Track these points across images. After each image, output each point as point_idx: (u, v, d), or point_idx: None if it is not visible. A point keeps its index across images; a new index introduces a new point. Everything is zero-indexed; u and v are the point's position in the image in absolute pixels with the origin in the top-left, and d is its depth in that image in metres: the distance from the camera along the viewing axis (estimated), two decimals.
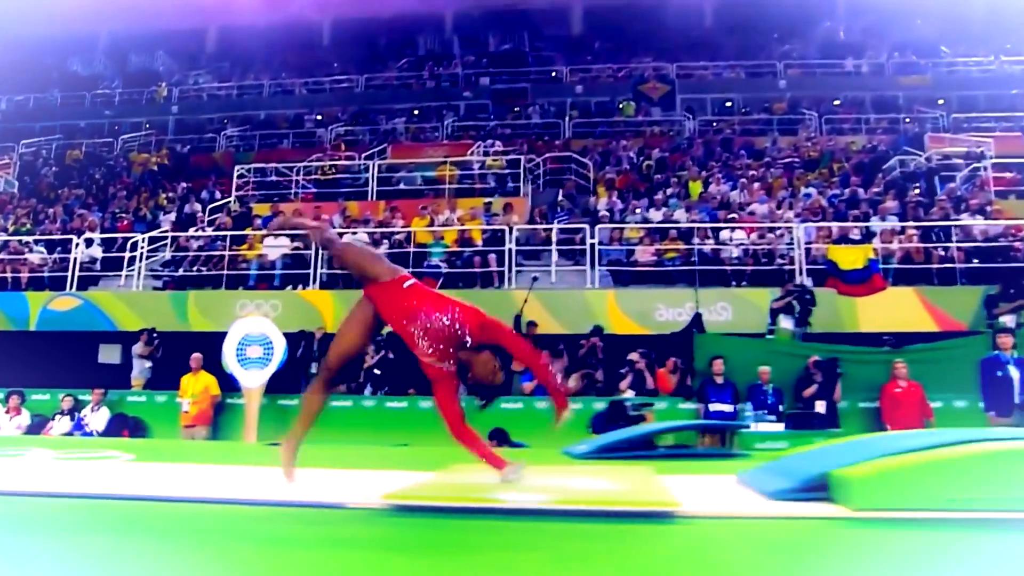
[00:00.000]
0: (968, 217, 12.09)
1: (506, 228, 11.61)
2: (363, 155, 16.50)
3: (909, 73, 20.73)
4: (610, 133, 18.97)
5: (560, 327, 10.79)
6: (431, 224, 12.28)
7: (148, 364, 10.42)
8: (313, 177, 14.84)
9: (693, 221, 12.43)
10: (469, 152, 15.88)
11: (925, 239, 11.43)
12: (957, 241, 11.34)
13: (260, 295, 11.28)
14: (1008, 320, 9.22)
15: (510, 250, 11.35)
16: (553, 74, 22.07)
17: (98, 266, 12.11)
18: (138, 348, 10.43)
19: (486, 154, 16.75)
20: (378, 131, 19.81)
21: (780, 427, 7.15)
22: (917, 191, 13.65)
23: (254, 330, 8.91)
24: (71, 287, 11.50)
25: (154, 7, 25.20)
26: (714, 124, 19.54)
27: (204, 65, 24.42)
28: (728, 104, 21.42)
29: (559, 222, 13.00)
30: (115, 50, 24.60)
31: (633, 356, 9.14)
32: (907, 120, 19.49)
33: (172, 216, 13.88)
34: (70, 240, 12.24)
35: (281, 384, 9.98)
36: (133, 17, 25.54)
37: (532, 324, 10.57)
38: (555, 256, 11.55)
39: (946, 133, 17.27)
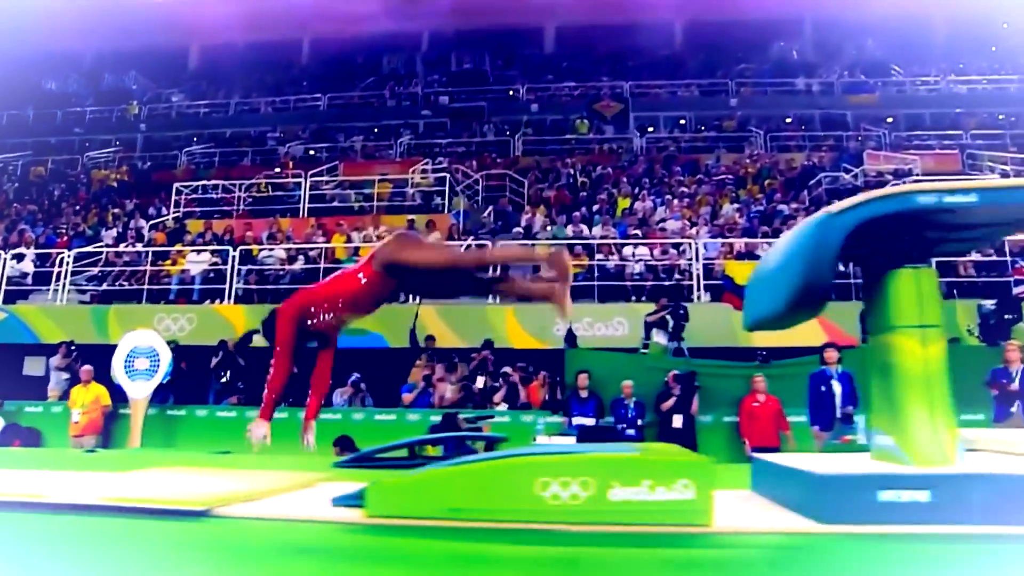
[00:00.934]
0: None
1: None
2: (310, 172, 16.82)
3: (858, 92, 20.83)
4: (559, 151, 19.24)
5: (459, 341, 11.01)
6: (348, 241, 12.55)
7: (65, 376, 10.75)
8: (249, 194, 15.18)
9: (606, 237, 12.62)
10: (411, 170, 16.17)
11: None
12: None
13: (178, 309, 11.59)
14: None
15: None
16: (511, 93, 22.37)
17: (29, 280, 12.48)
18: (55, 360, 10.77)
19: (432, 172, 17.09)
20: (335, 149, 20.18)
21: (571, 440, 7.29)
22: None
23: (142, 343, 9.20)
24: None
25: (137, 25, 25.94)
26: (661, 142, 19.70)
27: (179, 84, 24.99)
28: (682, 122, 21.62)
29: (475, 239, 13.25)
30: (91, 69, 25.29)
31: (507, 369, 9.34)
32: (858, 138, 19.57)
33: (114, 232, 14.26)
34: (19, 254, 12.66)
35: (188, 395, 10.33)
36: (116, 35, 26.34)
37: (430, 338, 10.82)
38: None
39: (884, 152, 17.33)
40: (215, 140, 21.01)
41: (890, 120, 20.48)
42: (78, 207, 16.04)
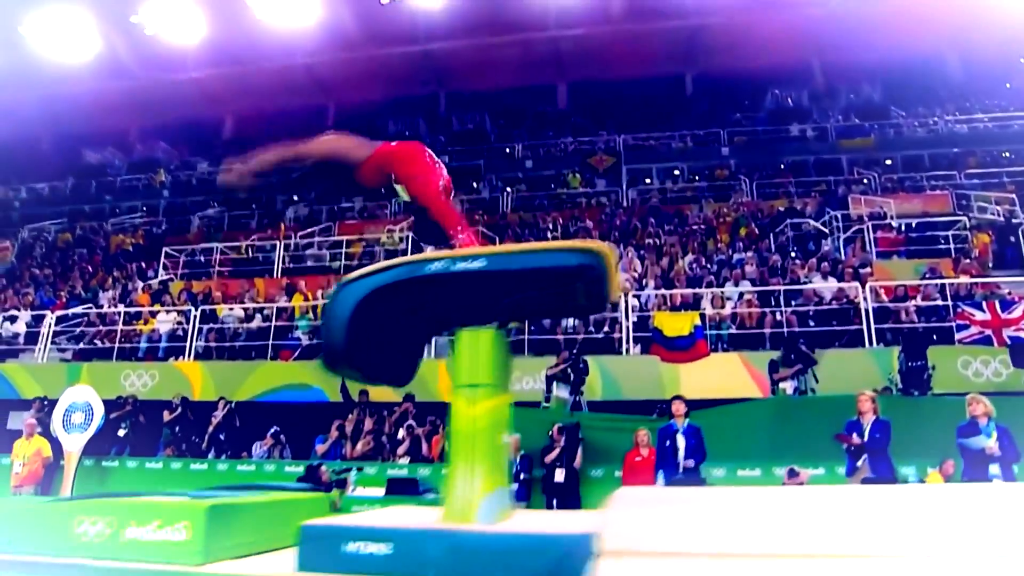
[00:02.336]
0: (820, 279, 11.97)
1: None
2: (300, 233, 17.78)
3: (853, 136, 20.48)
4: (546, 206, 19.62)
5: (393, 395, 11.32)
6: (305, 300, 13.20)
7: (39, 430, 11.68)
8: (231, 256, 16.18)
9: None
10: (385, 229, 16.87)
11: (764, 303, 11.43)
12: (797, 305, 11.29)
13: (143, 366, 12.42)
14: (787, 386, 9.17)
15: None
16: (507, 150, 23.04)
17: (21, 340, 13.65)
18: (28, 416, 11.71)
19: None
20: (336, 209, 21.20)
21: (380, 492, 7.33)
22: (793, 254, 13.57)
23: (79, 398, 9.93)
24: None
25: (175, 99, 28.30)
26: (649, 194, 19.83)
27: (206, 152, 26.93)
28: (676, 172, 21.71)
29: None
30: (126, 141, 27.65)
31: (412, 423, 9.57)
32: (856, 182, 19.20)
33: (111, 294, 15.44)
34: (11, 316, 13.93)
35: (142, 447, 11.06)
36: (155, 110, 28.76)
37: (364, 392, 11.19)
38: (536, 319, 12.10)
39: (869, 196, 16.93)
40: (228, 204, 22.48)
41: (888, 162, 20.01)
42: (90, 270, 17.43)
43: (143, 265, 17.19)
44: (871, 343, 10.47)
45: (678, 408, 7.43)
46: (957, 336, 10.37)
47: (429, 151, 4.00)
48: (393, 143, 4.05)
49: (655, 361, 10.77)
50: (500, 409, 3.24)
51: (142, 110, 27.69)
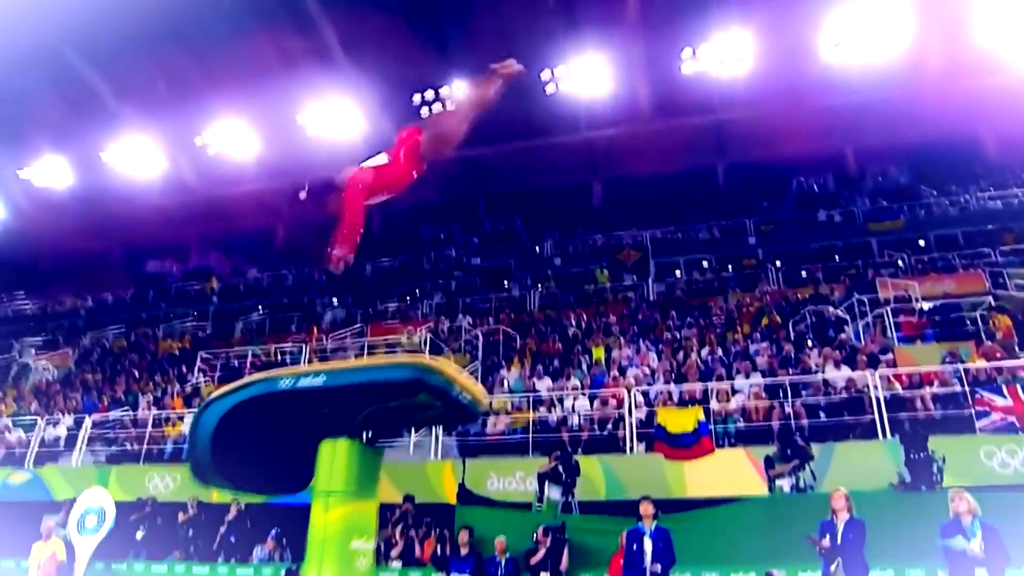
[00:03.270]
0: (832, 368, 11.62)
1: None
2: (332, 335, 18.44)
3: (882, 219, 20.17)
4: (573, 303, 19.80)
5: (396, 495, 11.33)
6: None
7: (64, 531, 12.14)
8: (263, 360, 16.86)
9: (572, 388, 12.80)
10: (404, 331, 17.35)
11: (773, 395, 11.14)
12: (807, 396, 10.96)
13: (165, 469, 12.88)
14: (784, 483, 8.82)
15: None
16: (537, 249, 23.59)
17: (61, 444, 14.40)
18: (48, 518, 12.19)
19: (451, 330, 18.24)
20: (370, 312, 21.94)
21: None
22: (810, 343, 13.25)
23: (94, 502, 10.34)
24: (29, 463, 13.77)
25: (229, 211, 30.41)
26: (676, 286, 19.80)
27: (258, 259, 28.59)
28: (704, 264, 21.69)
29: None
30: (183, 251, 29.71)
31: (408, 524, 9.53)
32: (885, 265, 18.80)
33: (149, 397, 16.22)
34: (55, 420, 14.80)
35: (160, 549, 11.33)
36: (214, 223, 30.94)
37: None
38: (413, 430, 12.27)
39: (896, 279, 16.49)
40: (273, 308, 23.57)
41: (921, 243, 19.54)
42: (136, 375, 18.42)
43: (183, 369, 18.07)
44: (884, 435, 10.00)
45: (646, 509, 7.23)
46: (978, 424, 9.83)
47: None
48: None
49: (659, 459, 10.55)
50: (355, 516, 3.35)
51: (201, 222, 29.87)
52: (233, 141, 28.34)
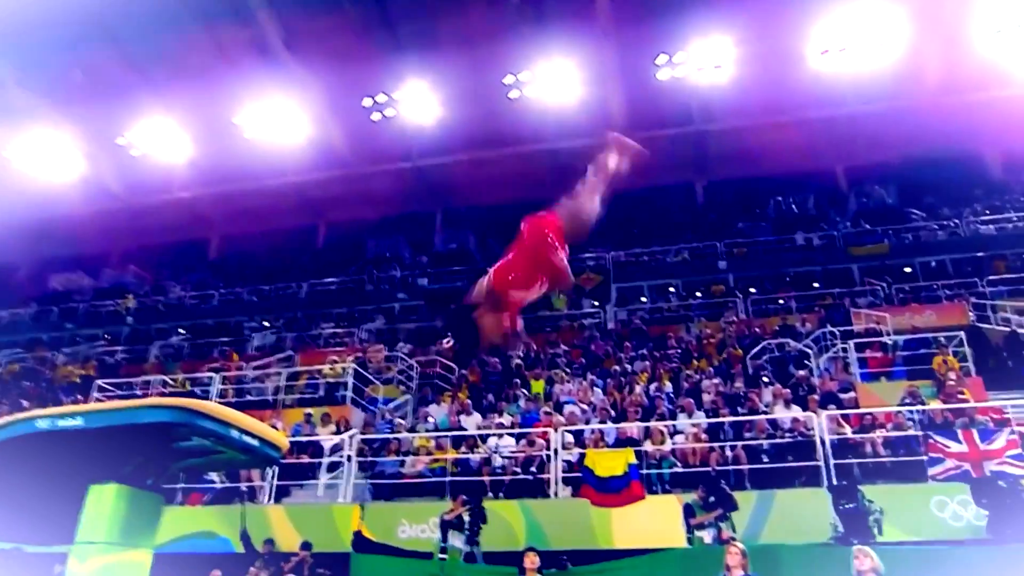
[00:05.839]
0: (782, 408, 11.88)
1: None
2: (253, 364, 18.47)
3: (865, 243, 20.66)
4: (526, 330, 19.96)
5: (296, 545, 11.37)
6: None
7: None
8: (170, 390, 16.87)
9: (501, 425, 12.95)
10: (327, 360, 17.44)
11: (714, 437, 11.36)
12: (752, 438, 11.20)
13: None
14: (705, 534, 9.01)
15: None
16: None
17: None
18: None
19: (389, 360, 18.34)
20: (304, 337, 21.99)
21: None
22: (766, 380, 13.52)
23: None
24: None
25: (156, 221, 30.33)
26: (638, 313, 20.08)
27: (187, 274, 28.53)
28: (671, 289, 22.03)
29: (379, 431, 13.95)
30: (98, 265, 29.55)
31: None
32: (863, 294, 19.22)
33: None
34: None
35: None
36: (139, 233, 30.83)
37: (269, 542, 11.27)
38: (324, 470, 12.37)
39: (870, 310, 16.88)
40: (196, 331, 23.52)
41: (908, 270, 20.02)
42: (24, 405, 18.22)
43: (80, 399, 17.95)
44: (830, 482, 10.23)
45: (531, 561, 7.37)
46: (930, 472, 10.08)
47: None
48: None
49: (585, 505, 10.68)
50: (117, 567, 3.47)
51: (120, 232, 29.77)
52: (160, 142, 28.34)
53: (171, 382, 17.55)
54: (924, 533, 9.25)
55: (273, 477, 12.40)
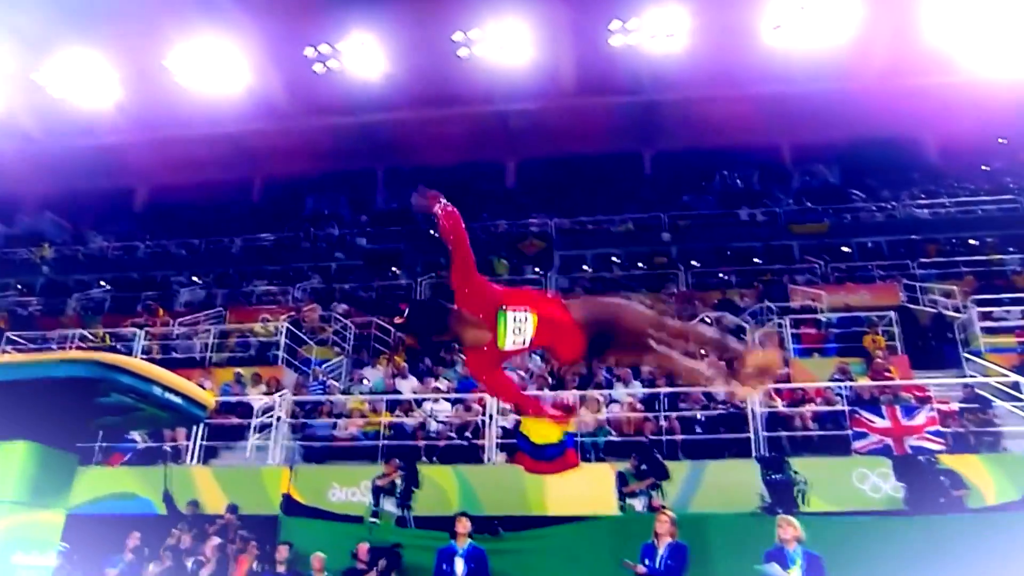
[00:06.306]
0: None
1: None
2: (179, 320, 18.04)
3: (806, 221, 21.24)
4: None
5: (223, 507, 11.26)
6: None
7: None
8: (91, 343, 16.34)
9: (438, 391, 12.97)
10: (260, 318, 17.17)
11: (649, 407, 11.60)
12: (687, 410, 11.48)
13: None
14: (637, 502, 9.25)
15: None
16: (432, 232, 23.60)
17: None
18: None
19: (324, 320, 18.12)
20: (236, 294, 21.54)
21: None
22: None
23: None
24: None
25: (77, 167, 28.90)
26: (579, 282, 20.27)
27: (110, 224, 27.49)
28: (614, 259, 22.28)
29: (312, 392, 13.83)
30: (11, 211, 28.22)
31: (215, 540, 9.51)
32: (802, 271, 19.78)
33: None
34: None
35: None
36: (57, 179, 29.40)
37: (193, 503, 11.12)
38: (253, 431, 12.21)
39: (806, 287, 17.42)
40: (118, 284, 22.79)
41: (846, 249, 20.69)
42: None
43: None
44: (760, 453, 10.58)
45: (462, 526, 7.47)
46: (854, 445, 10.51)
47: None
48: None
49: (520, 471, 10.79)
50: (22, 528, 3.37)
51: (37, 177, 28.34)
52: (83, 81, 26.93)
53: (91, 336, 17.01)
54: (845, 504, 9.69)
55: (200, 437, 12.18)
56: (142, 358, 15.65)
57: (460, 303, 3.45)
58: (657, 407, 11.37)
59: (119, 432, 11.23)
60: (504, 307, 3.39)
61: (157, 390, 3.54)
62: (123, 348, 15.92)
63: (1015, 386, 10.94)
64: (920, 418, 10.60)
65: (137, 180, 30.95)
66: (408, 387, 13.05)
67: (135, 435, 12.49)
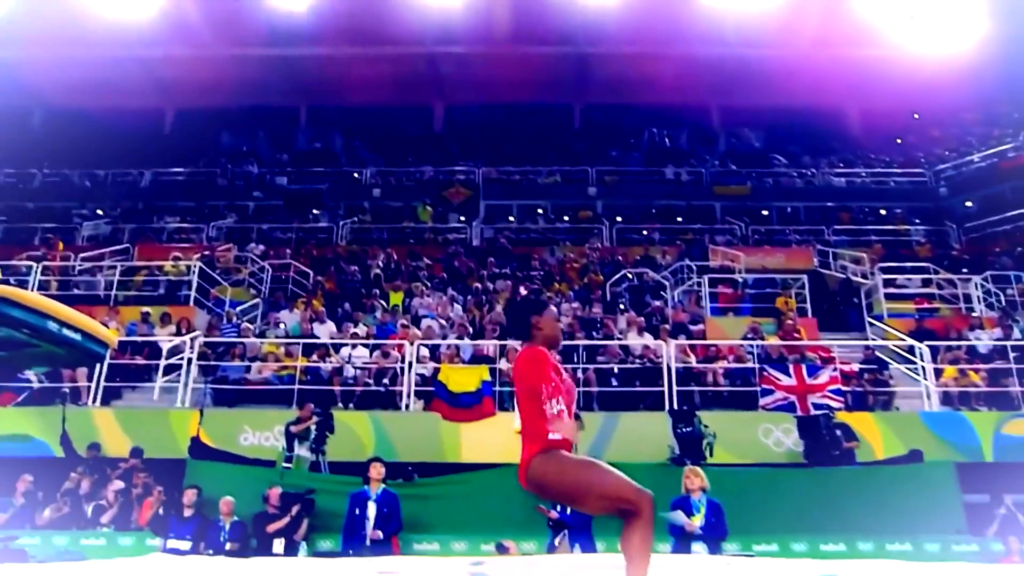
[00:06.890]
0: (635, 335, 12.54)
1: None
2: (81, 255, 17.29)
3: (729, 183, 21.83)
4: (386, 240, 19.80)
5: (126, 450, 11.01)
6: None
7: None
8: None
9: (355, 336, 12.89)
10: (171, 256, 16.64)
11: (567, 359, 11.84)
12: (604, 363, 11.77)
13: None
14: None
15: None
16: (356, 175, 23.26)
17: None
18: None
19: (239, 260, 17.66)
20: (144, 230, 20.74)
21: None
22: (622, 307, 14.18)
23: None
24: None
25: None
26: (504, 232, 20.36)
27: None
28: (539, 211, 22.44)
29: (224, 334, 13.52)
30: None
31: (117, 484, 9.33)
32: (723, 232, 20.35)
33: None
34: None
35: None
36: None
37: (94, 446, 10.80)
38: (160, 373, 11.89)
39: (727, 248, 17.99)
40: (9, 213, 21.59)
41: (765, 212, 21.38)
42: None
43: None
44: (672, 407, 10.98)
45: (376, 472, 7.55)
46: (761, 402, 11.00)
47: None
48: None
49: (436, 419, 10.96)
50: None
51: None
52: None
53: None
54: (749, 457, 10.23)
55: (101, 378, 11.80)
56: (39, 293, 14.99)
57: None
58: (575, 359, 11.62)
59: (10, 370, 10.75)
60: None
61: (53, 325, 3.39)
62: (16, 282, 15.14)
63: (910, 350, 11.64)
64: (823, 377, 11.14)
65: (34, 101, 29.11)
66: (326, 332, 12.94)
67: (29, 374, 11.99)
